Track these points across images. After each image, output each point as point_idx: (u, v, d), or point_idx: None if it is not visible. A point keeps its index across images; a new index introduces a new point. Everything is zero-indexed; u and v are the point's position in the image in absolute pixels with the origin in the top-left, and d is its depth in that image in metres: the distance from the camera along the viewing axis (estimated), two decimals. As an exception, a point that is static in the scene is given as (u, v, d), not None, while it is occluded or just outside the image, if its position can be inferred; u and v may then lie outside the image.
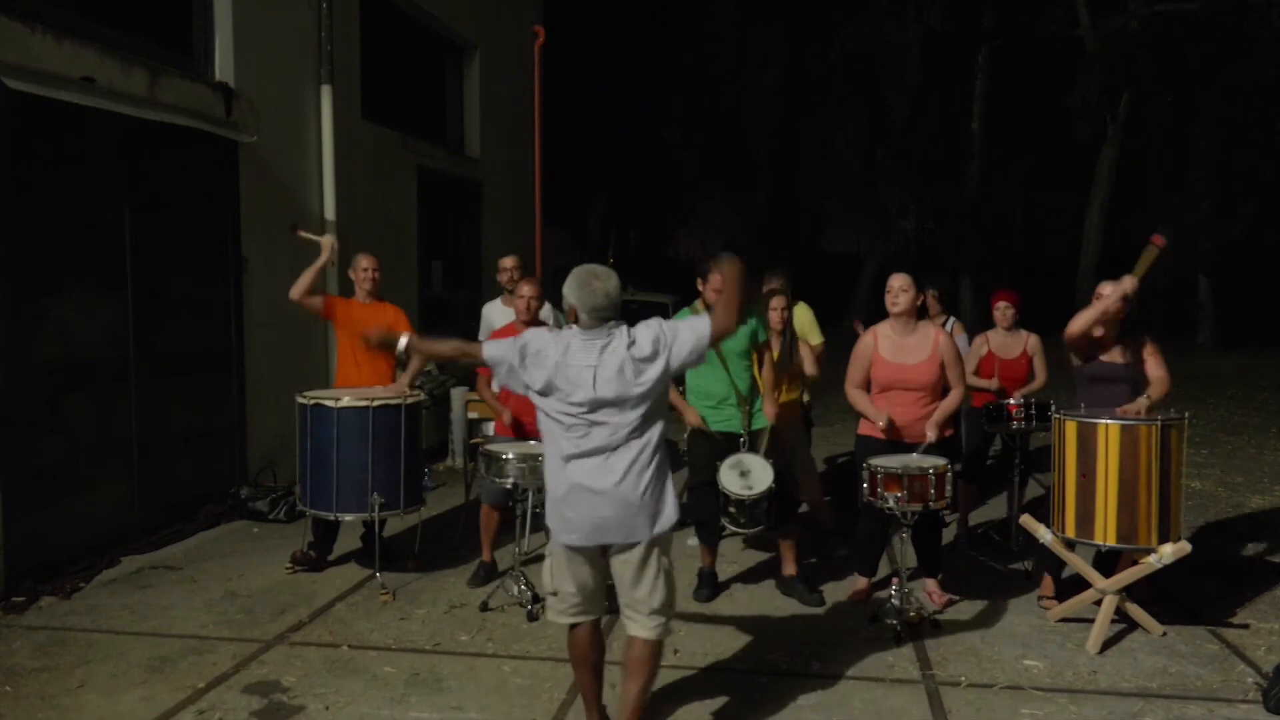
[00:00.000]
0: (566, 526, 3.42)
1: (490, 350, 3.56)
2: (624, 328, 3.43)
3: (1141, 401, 4.79)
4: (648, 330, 3.42)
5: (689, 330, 3.40)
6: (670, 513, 3.43)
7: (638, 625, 3.49)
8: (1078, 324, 4.93)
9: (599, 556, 3.48)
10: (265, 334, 7.51)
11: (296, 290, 5.89)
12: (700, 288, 5.24)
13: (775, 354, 5.60)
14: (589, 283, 3.40)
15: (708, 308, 5.19)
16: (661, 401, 3.45)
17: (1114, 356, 5.00)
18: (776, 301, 5.94)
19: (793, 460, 5.99)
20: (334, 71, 8.36)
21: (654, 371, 3.35)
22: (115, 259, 6.16)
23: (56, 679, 4.25)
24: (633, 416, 3.35)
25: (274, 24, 7.73)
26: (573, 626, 3.57)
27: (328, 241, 6.20)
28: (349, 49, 8.90)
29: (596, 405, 3.33)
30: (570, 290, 3.41)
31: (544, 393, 3.41)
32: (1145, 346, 5.02)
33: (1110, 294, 4.89)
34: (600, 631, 3.63)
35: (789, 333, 6.02)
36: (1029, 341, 6.34)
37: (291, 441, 5.70)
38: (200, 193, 6.98)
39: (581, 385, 3.33)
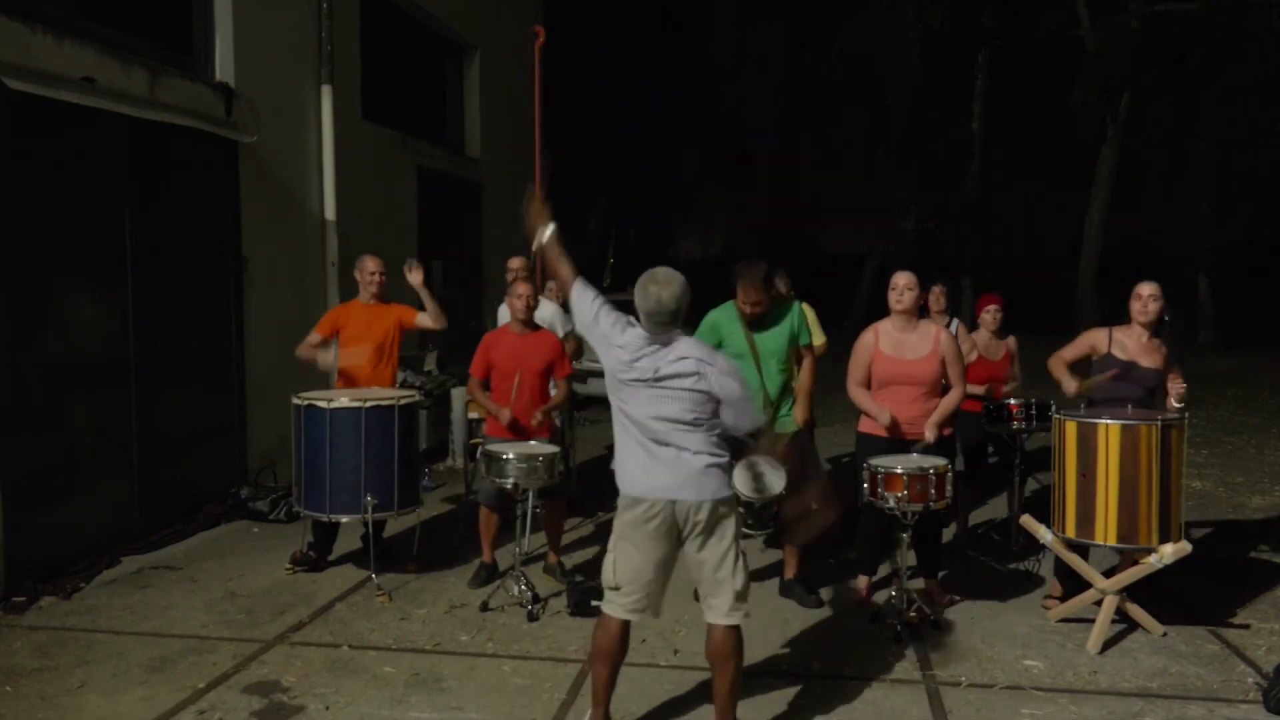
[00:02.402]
0: None
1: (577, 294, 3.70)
2: (683, 341, 3.52)
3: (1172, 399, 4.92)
4: (714, 373, 3.48)
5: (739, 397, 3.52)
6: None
7: (716, 613, 3.58)
8: (1052, 364, 5.06)
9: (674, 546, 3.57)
10: (265, 334, 7.51)
11: (301, 354, 5.97)
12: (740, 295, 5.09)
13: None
14: (645, 286, 3.49)
15: (741, 314, 5.10)
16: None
17: (1135, 355, 5.00)
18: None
19: (804, 464, 5.98)
20: (334, 71, 8.36)
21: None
22: (115, 259, 6.16)
23: (57, 679, 4.25)
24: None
25: (274, 24, 7.73)
26: (608, 617, 3.59)
27: (329, 359, 6.07)
28: (349, 49, 8.90)
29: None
30: (635, 294, 3.52)
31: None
32: (1173, 363, 5.04)
33: (1097, 378, 4.97)
34: (628, 630, 3.63)
35: None
36: (1009, 343, 6.46)
37: (291, 442, 5.70)
38: (200, 193, 6.98)
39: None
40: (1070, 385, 4.99)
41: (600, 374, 3.73)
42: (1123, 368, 4.96)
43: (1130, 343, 5.03)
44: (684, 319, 3.54)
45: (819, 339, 6.38)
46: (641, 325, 3.52)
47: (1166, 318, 5.07)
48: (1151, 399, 4.98)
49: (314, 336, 6.01)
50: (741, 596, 3.56)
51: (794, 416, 5.19)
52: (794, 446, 5.15)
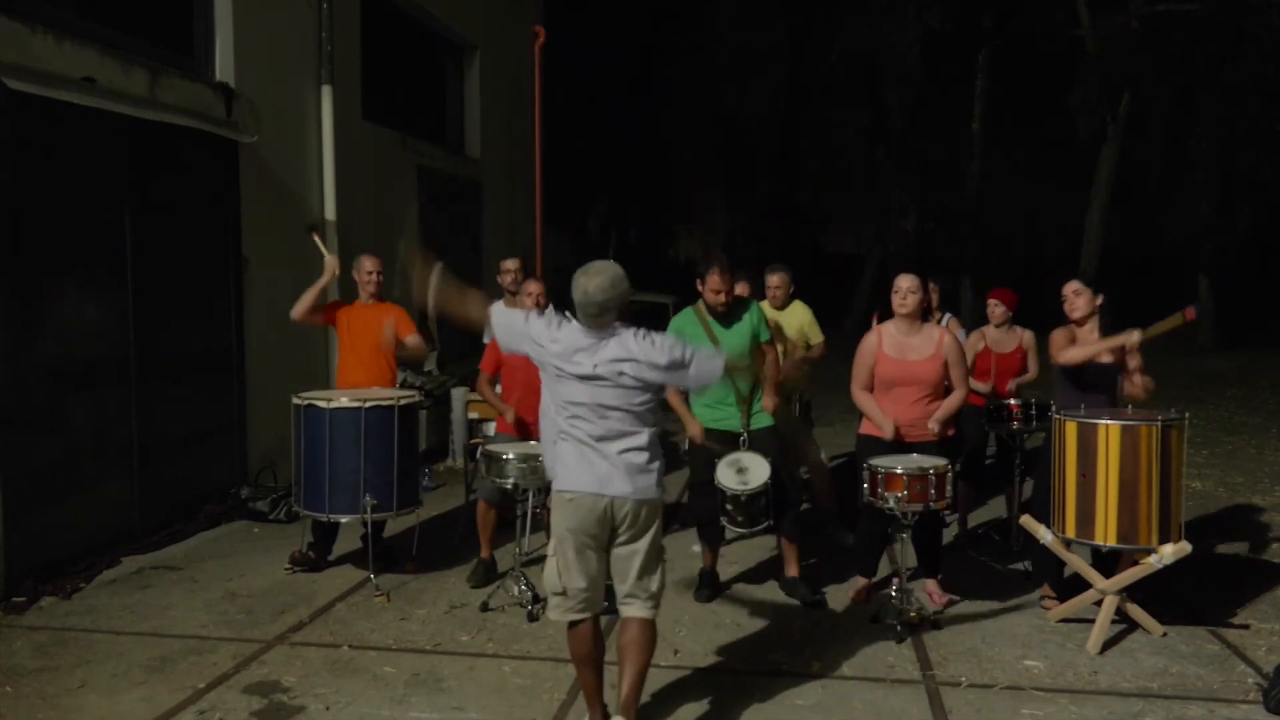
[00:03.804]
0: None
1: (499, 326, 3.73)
2: (621, 335, 3.50)
3: (1147, 380, 4.93)
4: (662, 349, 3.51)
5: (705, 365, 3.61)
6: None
7: (634, 607, 3.64)
8: (1078, 356, 5.00)
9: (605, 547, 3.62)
10: (265, 334, 7.51)
11: (299, 310, 5.97)
12: (699, 288, 5.22)
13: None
14: (576, 278, 3.46)
15: (709, 309, 5.19)
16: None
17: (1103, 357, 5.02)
18: (776, 279, 6.14)
19: (790, 433, 6.01)
20: (334, 72, 8.36)
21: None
22: (115, 259, 6.16)
23: (57, 679, 4.25)
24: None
25: (274, 24, 7.73)
26: (575, 624, 3.61)
27: (331, 263, 6.21)
28: (349, 49, 8.90)
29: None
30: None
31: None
32: (1132, 350, 5.05)
33: (1109, 343, 4.96)
34: (600, 628, 3.67)
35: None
36: (1024, 337, 6.46)
37: (291, 442, 5.70)
38: (200, 193, 6.98)
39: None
40: (1131, 337, 4.92)
41: None
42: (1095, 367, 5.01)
43: (1087, 337, 5.09)
44: (620, 312, 3.51)
45: (816, 338, 6.40)
46: (578, 321, 3.52)
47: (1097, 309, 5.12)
48: (1114, 395, 5.01)
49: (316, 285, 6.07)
50: (658, 593, 3.66)
51: (763, 405, 5.22)
52: (770, 440, 5.18)
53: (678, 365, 3.52)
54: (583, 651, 3.62)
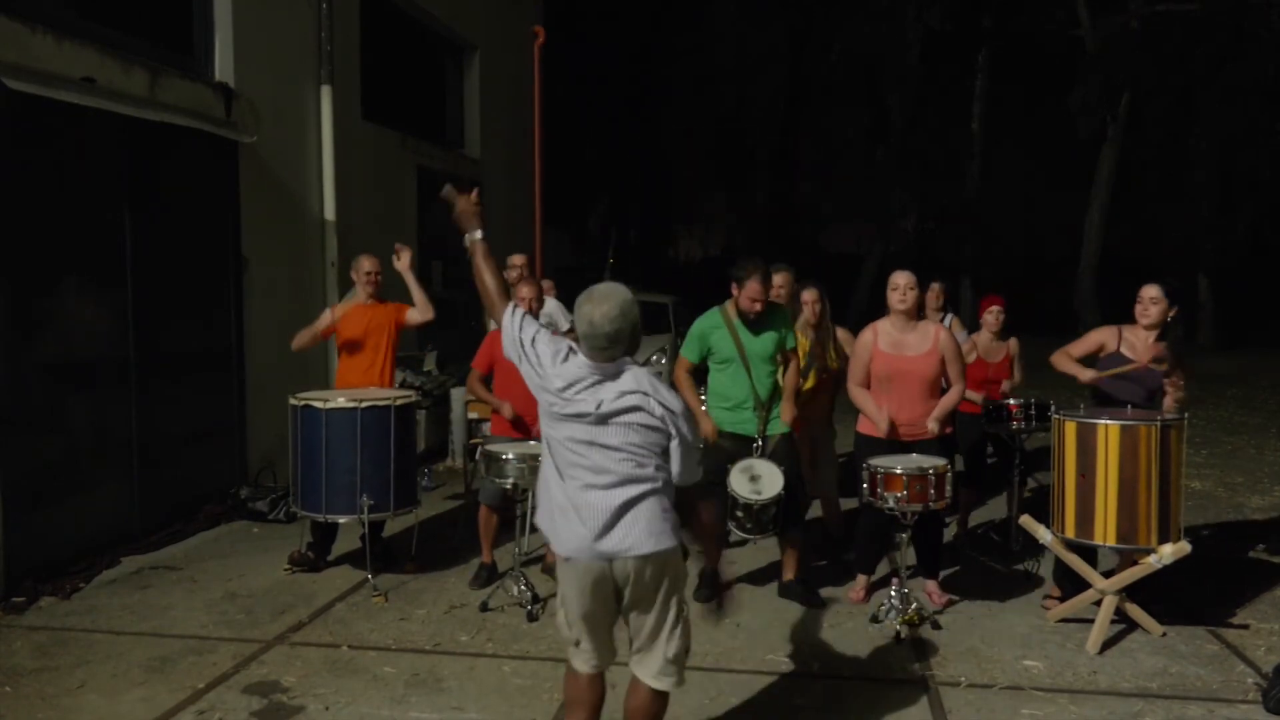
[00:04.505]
0: None
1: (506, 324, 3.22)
2: (631, 373, 3.03)
3: (1170, 401, 4.91)
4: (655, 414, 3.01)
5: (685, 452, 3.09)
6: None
7: (644, 671, 3.19)
8: (1064, 366, 5.08)
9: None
10: (265, 334, 7.51)
11: (297, 345, 6.01)
12: (735, 292, 5.10)
13: (805, 349, 5.63)
14: (580, 306, 3.03)
15: (740, 313, 5.12)
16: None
17: (1141, 355, 5.00)
18: (809, 295, 5.96)
19: (816, 452, 6.01)
20: (334, 71, 8.36)
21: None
22: (115, 259, 6.16)
23: (56, 679, 4.25)
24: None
25: (274, 24, 7.73)
26: (576, 671, 3.25)
27: (326, 318, 6.11)
28: (349, 49, 8.90)
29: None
30: (574, 316, 3.09)
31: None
32: (1174, 365, 5.04)
33: (1087, 375, 5.02)
34: (604, 683, 3.30)
35: (824, 326, 6.01)
36: (1010, 345, 6.48)
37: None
38: (200, 193, 6.98)
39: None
40: (1086, 374, 4.98)
41: None
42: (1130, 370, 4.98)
43: (1138, 343, 5.03)
44: (632, 344, 3.05)
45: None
46: (583, 353, 3.05)
47: (1169, 319, 5.06)
48: (1151, 401, 4.99)
49: (316, 324, 6.06)
50: (675, 660, 3.16)
51: (782, 416, 5.20)
52: (784, 448, 5.17)
53: (678, 417, 3.04)
54: (574, 696, 3.25)
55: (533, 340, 3.14)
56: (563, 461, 3.08)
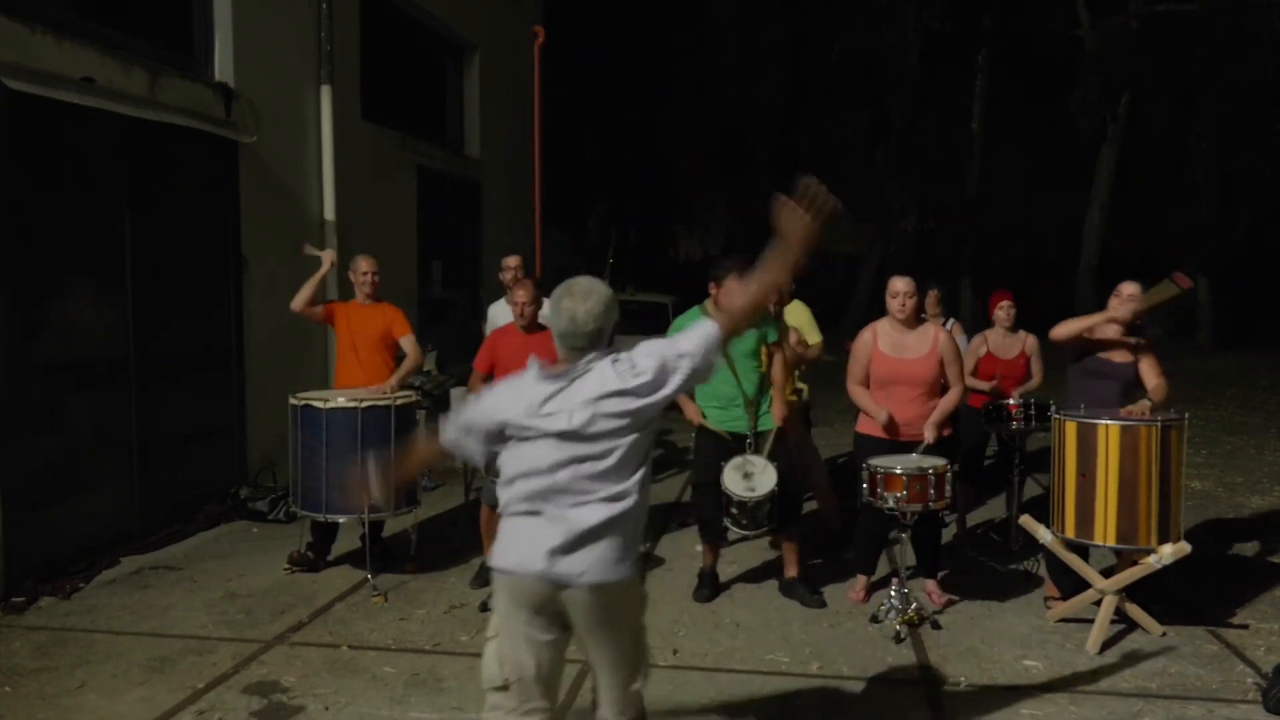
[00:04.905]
0: None
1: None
2: (601, 366, 2.70)
3: (1144, 404, 4.79)
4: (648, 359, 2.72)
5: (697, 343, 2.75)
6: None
7: (605, 709, 2.86)
8: (1066, 330, 5.02)
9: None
10: (265, 334, 7.51)
11: (298, 302, 5.95)
12: (712, 290, 5.13)
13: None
14: (559, 301, 2.73)
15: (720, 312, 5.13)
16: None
17: (1112, 355, 5.01)
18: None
19: (799, 452, 5.99)
20: (334, 72, 8.36)
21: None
22: (115, 259, 6.16)
23: (56, 679, 4.25)
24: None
25: (274, 24, 7.74)
26: None
27: (328, 255, 6.23)
28: (349, 49, 8.90)
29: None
30: (549, 311, 2.78)
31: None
32: (1145, 352, 5.03)
33: (1103, 316, 4.97)
34: None
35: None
36: (1027, 342, 6.38)
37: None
38: (200, 193, 6.98)
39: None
40: (1096, 317, 4.96)
41: None
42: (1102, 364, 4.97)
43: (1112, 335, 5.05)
44: (610, 340, 2.76)
45: (815, 338, 6.35)
46: (558, 350, 2.76)
47: (1139, 322, 5.08)
48: (1127, 396, 4.97)
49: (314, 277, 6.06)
50: (635, 701, 2.84)
51: (772, 414, 5.19)
52: (776, 443, 5.17)
53: (670, 369, 2.70)
54: None
55: (475, 405, 2.85)
56: (528, 470, 2.71)
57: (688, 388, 2.77)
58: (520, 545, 2.69)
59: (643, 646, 2.89)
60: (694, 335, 2.76)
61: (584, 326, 2.69)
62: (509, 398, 2.76)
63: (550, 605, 2.69)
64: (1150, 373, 5.00)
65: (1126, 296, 4.98)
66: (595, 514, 2.65)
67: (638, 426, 2.69)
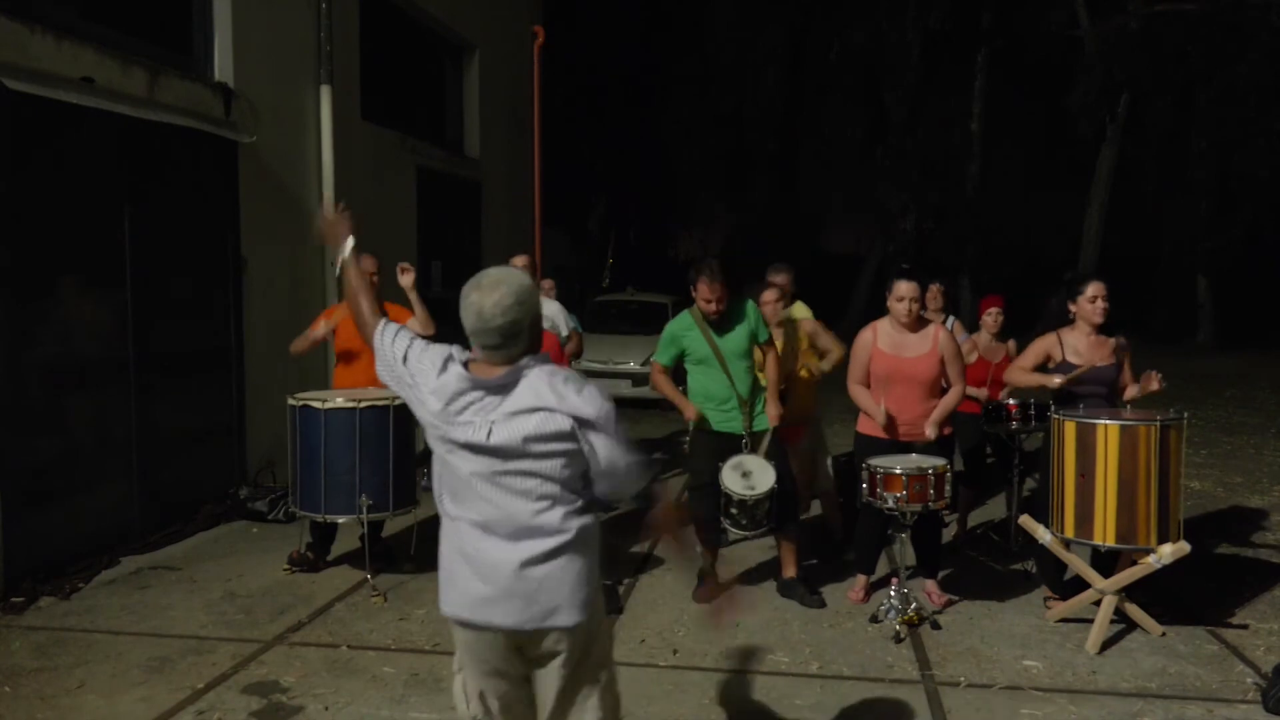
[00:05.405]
0: None
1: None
2: (533, 376, 2.39)
3: (1153, 374, 4.87)
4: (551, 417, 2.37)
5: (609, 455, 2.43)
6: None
7: None
8: (1017, 379, 5.14)
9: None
10: (265, 334, 7.51)
11: (296, 350, 5.94)
12: (693, 294, 5.13)
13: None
14: (466, 295, 2.43)
15: (704, 316, 5.12)
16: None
17: (1090, 359, 4.98)
18: (767, 295, 5.83)
19: (813, 454, 6.01)
20: (333, 72, 8.36)
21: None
22: (115, 259, 6.15)
23: (56, 679, 4.25)
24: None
25: (273, 24, 7.73)
26: None
27: (324, 330, 6.08)
28: (348, 49, 8.90)
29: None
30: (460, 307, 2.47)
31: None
32: (1123, 351, 5.02)
33: (1040, 379, 5.02)
34: None
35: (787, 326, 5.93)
36: (1009, 347, 6.49)
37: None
38: (200, 193, 6.98)
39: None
40: (1054, 380, 4.96)
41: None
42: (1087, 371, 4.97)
43: (1080, 344, 5.03)
44: (533, 342, 2.45)
45: (836, 348, 5.94)
46: (474, 356, 2.47)
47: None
48: (1112, 394, 4.98)
49: (312, 331, 6.01)
50: None
51: (767, 415, 5.19)
52: (772, 443, 5.17)
53: (596, 428, 2.38)
54: None
55: (404, 356, 2.53)
56: (456, 489, 2.45)
57: (591, 466, 2.44)
58: (452, 589, 2.46)
59: (609, 699, 2.58)
60: (627, 466, 2.44)
61: (491, 321, 2.37)
62: (433, 375, 2.46)
63: (502, 651, 2.47)
64: (1128, 376, 5.04)
65: (1100, 298, 4.98)
66: (534, 549, 2.38)
67: (565, 451, 2.38)
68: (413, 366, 2.51)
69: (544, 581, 2.39)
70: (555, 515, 2.40)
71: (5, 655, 4.51)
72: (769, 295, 5.83)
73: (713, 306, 5.03)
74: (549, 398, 2.36)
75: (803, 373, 5.88)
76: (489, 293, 2.38)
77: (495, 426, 2.36)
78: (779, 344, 5.58)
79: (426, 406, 2.45)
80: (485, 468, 2.39)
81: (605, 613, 2.62)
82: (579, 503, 2.45)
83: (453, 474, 2.45)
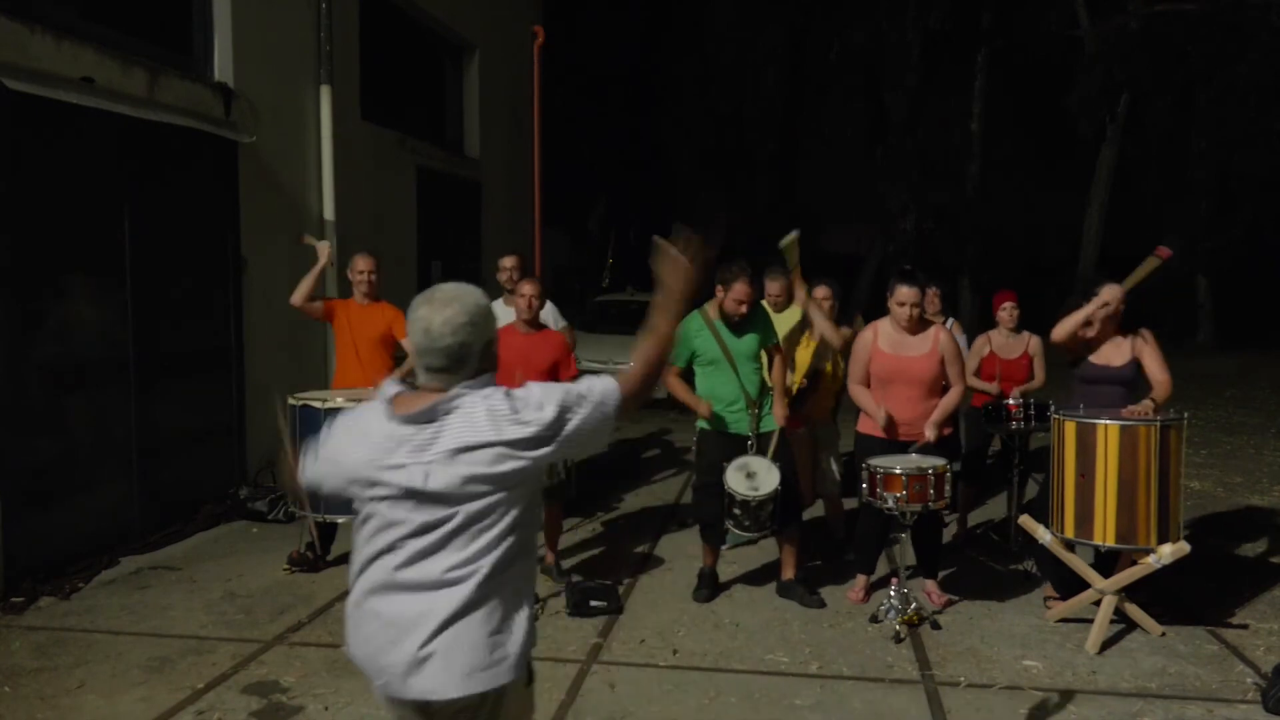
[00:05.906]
0: None
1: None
2: (470, 406, 2.14)
3: (1146, 404, 4.78)
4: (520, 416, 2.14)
5: (594, 408, 2.20)
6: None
7: None
8: (1063, 329, 4.96)
9: None
10: (265, 334, 7.51)
11: (297, 296, 5.95)
12: (719, 294, 5.09)
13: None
14: (414, 310, 2.23)
15: (723, 315, 5.11)
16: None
17: (1107, 358, 4.97)
18: (821, 291, 5.94)
19: (819, 451, 6.01)
20: (333, 72, 8.36)
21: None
22: (115, 259, 6.16)
23: (56, 679, 4.25)
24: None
25: (273, 24, 7.73)
26: None
27: (324, 247, 6.22)
28: (348, 49, 8.90)
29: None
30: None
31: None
32: (1144, 346, 4.99)
33: (1095, 304, 4.90)
34: None
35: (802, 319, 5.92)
36: (1030, 343, 6.36)
37: (289, 442, 5.71)
38: (200, 193, 6.98)
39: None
40: (1086, 310, 4.87)
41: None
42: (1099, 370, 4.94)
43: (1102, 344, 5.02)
44: (480, 367, 2.21)
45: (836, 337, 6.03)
46: (419, 375, 2.23)
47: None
48: (1133, 394, 4.95)
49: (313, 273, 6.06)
50: None
51: (774, 415, 5.19)
52: (778, 444, 5.17)
53: (565, 419, 2.15)
54: None
55: (320, 445, 2.32)
56: (366, 545, 2.21)
57: (569, 449, 2.18)
58: (374, 649, 2.18)
59: None
60: (595, 385, 2.22)
61: (439, 340, 2.15)
62: (352, 442, 2.22)
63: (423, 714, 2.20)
64: (1155, 368, 4.94)
65: (1106, 299, 4.95)
66: (454, 599, 2.12)
67: (507, 487, 2.13)
68: (331, 449, 2.29)
69: (462, 644, 2.13)
70: (484, 562, 2.14)
71: (5, 655, 4.51)
72: (821, 291, 5.94)
73: (743, 309, 5.04)
74: (487, 432, 2.11)
75: (827, 366, 5.93)
76: (440, 309, 2.17)
77: (432, 471, 2.11)
78: (811, 344, 5.64)
79: (357, 475, 2.19)
80: (416, 516, 2.13)
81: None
82: (496, 552, 2.15)
83: (371, 524, 2.20)
